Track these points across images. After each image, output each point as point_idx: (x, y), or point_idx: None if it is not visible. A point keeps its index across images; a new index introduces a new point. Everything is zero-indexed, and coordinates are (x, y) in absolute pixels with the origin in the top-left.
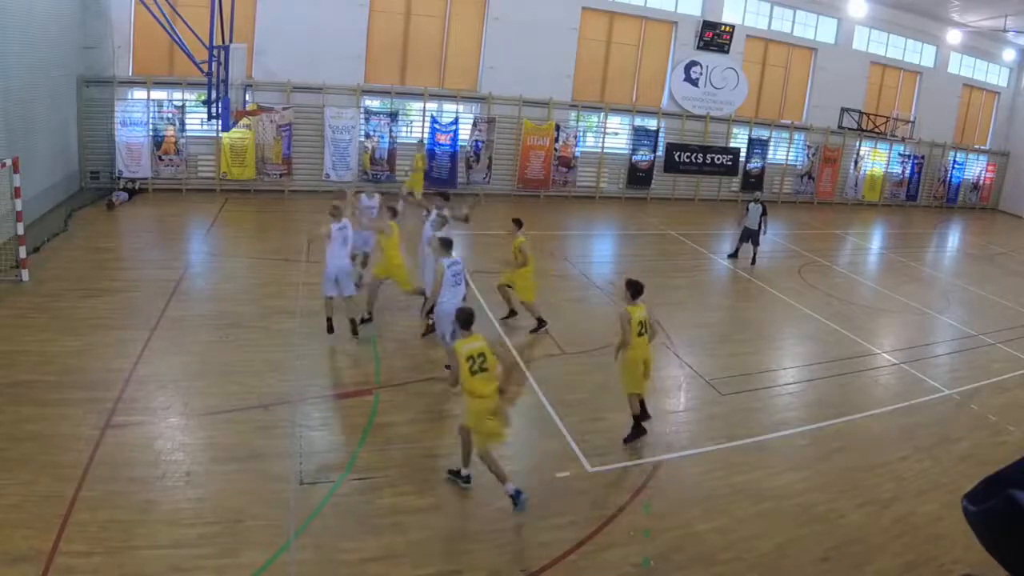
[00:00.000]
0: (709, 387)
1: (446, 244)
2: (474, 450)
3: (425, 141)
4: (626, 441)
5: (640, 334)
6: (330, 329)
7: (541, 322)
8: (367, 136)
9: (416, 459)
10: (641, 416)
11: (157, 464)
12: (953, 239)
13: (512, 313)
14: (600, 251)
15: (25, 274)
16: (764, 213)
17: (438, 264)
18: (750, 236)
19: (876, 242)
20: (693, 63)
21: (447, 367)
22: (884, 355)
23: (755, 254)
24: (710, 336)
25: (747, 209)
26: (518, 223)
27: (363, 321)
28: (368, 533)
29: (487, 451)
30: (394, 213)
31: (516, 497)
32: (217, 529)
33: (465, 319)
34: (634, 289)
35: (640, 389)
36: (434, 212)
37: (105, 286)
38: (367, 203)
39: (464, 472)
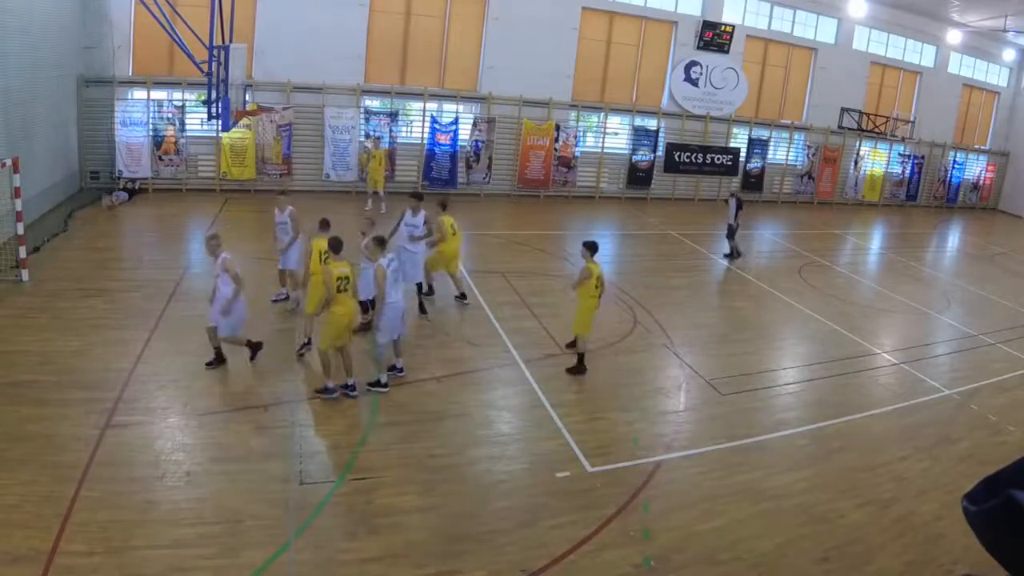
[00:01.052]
0: (709, 387)
1: (380, 243)
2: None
3: (380, 136)
4: (569, 371)
5: (596, 286)
6: (219, 360)
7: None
8: (367, 136)
9: (416, 459)
10: (577, 364)
11: (157, 464)
12: (953, 239)
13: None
14: (600, 251)
15: (25, 274)
16: (740, 207)
17: (377, 266)
18: (732, 232)
19: (876, 242)
20: (693, 63)
21: (395, 369)
22: (884, 355)
23: (733, 246)
24: (710, 336)
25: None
26: (443, 205)
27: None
28: (368, 533)
29: (327, 352)
30: (338, 247)
31: (329, 391)
32: (217, 529)
33: (335, 245)
34: (593, 248)
35: (588, 331)
36: (407, 211)
37: (105, 286)
38: (278, 218)
39: (331, 384)
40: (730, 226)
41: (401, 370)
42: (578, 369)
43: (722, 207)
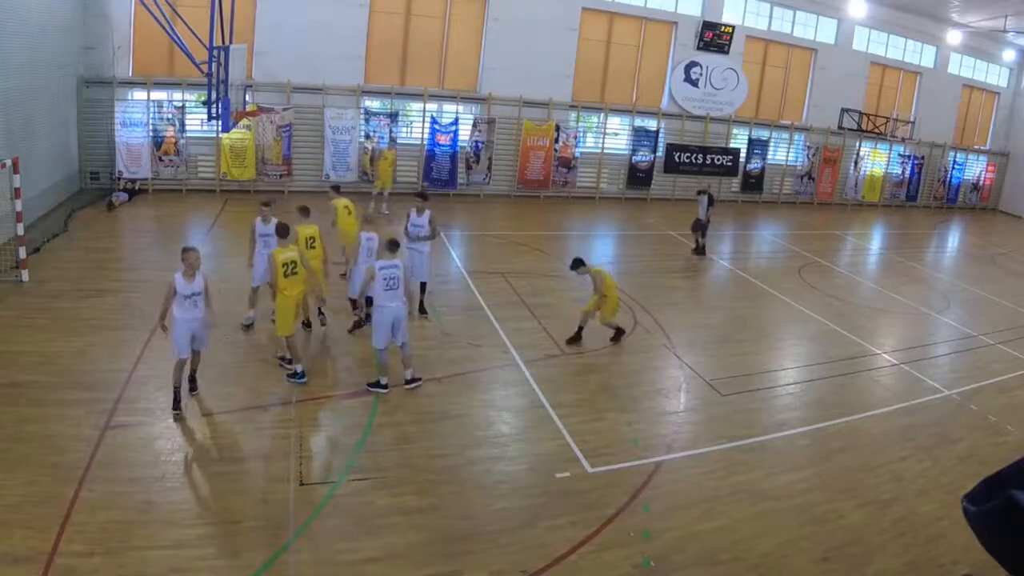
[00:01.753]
0: (709, 387)
1: (391, 246)
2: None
3: (381, 137)
4: (569, 341)
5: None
6: (176, 405)
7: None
8: (367, 137)
9: (416, 459)
10: (616, 335)
11: (157, 465)
12: (953, 239)
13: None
14: (600, 252)
15: (25, 274)
16: (711, 204)
17: (368, 266)
18: (701, 227)
19: (876, 242)
20: (693, 63)
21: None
22: (884, 355)
23: (702, 242)
24: (710, 336)
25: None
26: (336, 189)
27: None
28: (368, 533)
29: (289, 338)
30: (284, 232)
31: (299, 376)
32: (217, 530)
33: (283, 231)
34: (582, 261)
35: (616, 315)
36: (412, 212)
37: (105, 286)
38: (262, 230)
39: (299, 369)
40: (699, 220)
41: (419, 380)
42: (576, 339)
43: (722, 207)
